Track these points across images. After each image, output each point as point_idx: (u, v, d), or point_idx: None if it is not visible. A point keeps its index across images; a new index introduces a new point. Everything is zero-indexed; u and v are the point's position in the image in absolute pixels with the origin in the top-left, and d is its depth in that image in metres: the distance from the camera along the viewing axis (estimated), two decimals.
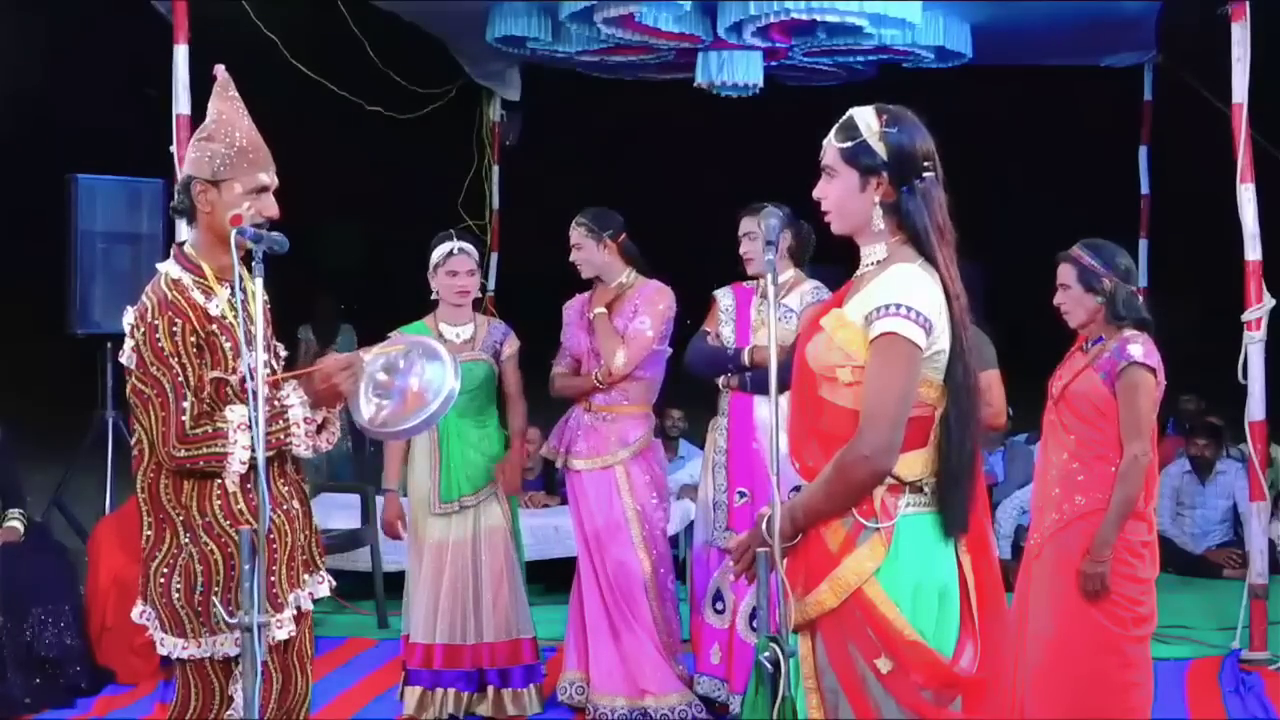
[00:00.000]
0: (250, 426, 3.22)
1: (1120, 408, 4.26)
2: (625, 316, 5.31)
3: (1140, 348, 4.29)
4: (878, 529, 2.86)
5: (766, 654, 2.98)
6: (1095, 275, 4.35)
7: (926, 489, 2.92)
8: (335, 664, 6.04)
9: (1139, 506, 4.28)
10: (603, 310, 5.32)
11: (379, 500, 6.90)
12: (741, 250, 5.20)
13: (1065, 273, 4.41)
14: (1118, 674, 4.30)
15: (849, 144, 2.94)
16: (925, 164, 2.91)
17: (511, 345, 5.43)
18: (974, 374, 2.94)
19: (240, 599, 3.15)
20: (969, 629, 2.94)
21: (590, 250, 5.38)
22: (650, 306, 5.30)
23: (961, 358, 2.90)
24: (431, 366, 3.61)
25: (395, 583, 6.90)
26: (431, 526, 5.29)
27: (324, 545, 6.78)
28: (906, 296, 2.83)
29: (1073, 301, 4.40)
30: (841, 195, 2.97)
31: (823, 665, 2.93)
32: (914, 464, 2.89)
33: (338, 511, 7.00)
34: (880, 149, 2.91)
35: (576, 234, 5.42)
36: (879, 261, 2.95)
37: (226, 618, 3.24)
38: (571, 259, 5.42)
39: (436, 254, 5.32)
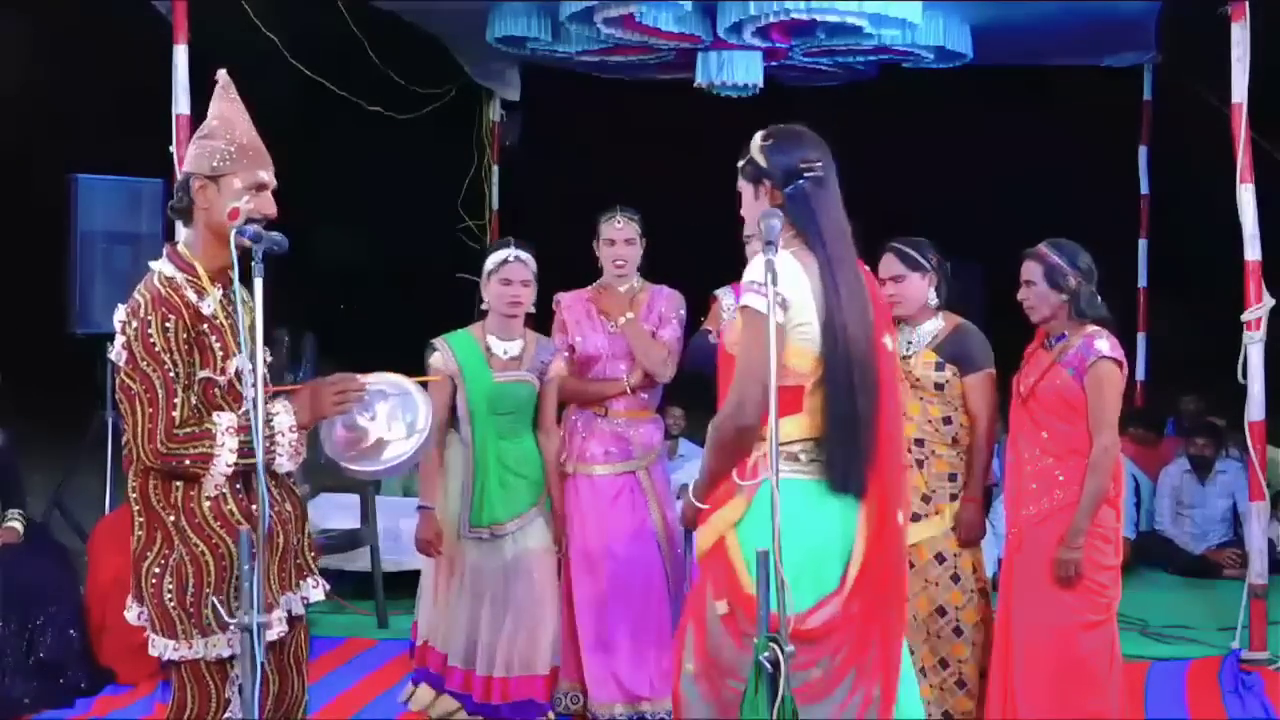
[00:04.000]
0: (239, 431, 3.24)
1: (1089, 401, 4.44)
2: (650, 323, 5.30)
3: (1106, 342, 4.47)
4: (742, 486, 3.23)
5: (766, 654, 3.00)
6: (1060, 273, 4.52)
7: (802, 455, 3.25)
8: (335, 664, 6.04)
9: (1109, 494, 4.46)
10: (633, 315, 5.27)
11: (377, 500, 6.92)
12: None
13: (1031, 269, 4.58)
14: (1098, 655, 4.49)
15: (741, 162, 3.44)
16: (804, 169, 3.32)
17: (557, 367, 5.10)
18: (857, 346, 3.25)
19: (238, 599, 3.16)
20: (839, 591, 3.23)
21: (638, 247, 5.31)
22: (674, 312, 5.33)
23: (837, 333, 3.23)
24: (408, 414, 3.58)
25: (395, 582, 6.91)
26: (465, 549, 4.99)
27: (324, 545, 6.82)
28: (759, 273, 3.19)
29: (1037, 297, 4.57)
30: (746, 206, 3.45)
31: (696, 595, 3.35)
32: (787, 429, 3.19)
33: (337, 512, 6.99)
34: (762, 160, 3.38)
35: (630, 228, 5.29)
36: None
37: (226, 617, 3.24)
38: (617, 255, 5.28)
39: (491, 260, 5.02)
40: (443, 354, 4.97)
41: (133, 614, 3.45)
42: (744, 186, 3.45)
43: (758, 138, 3.42)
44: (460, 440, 5.00)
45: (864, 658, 3.26)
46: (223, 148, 3.36)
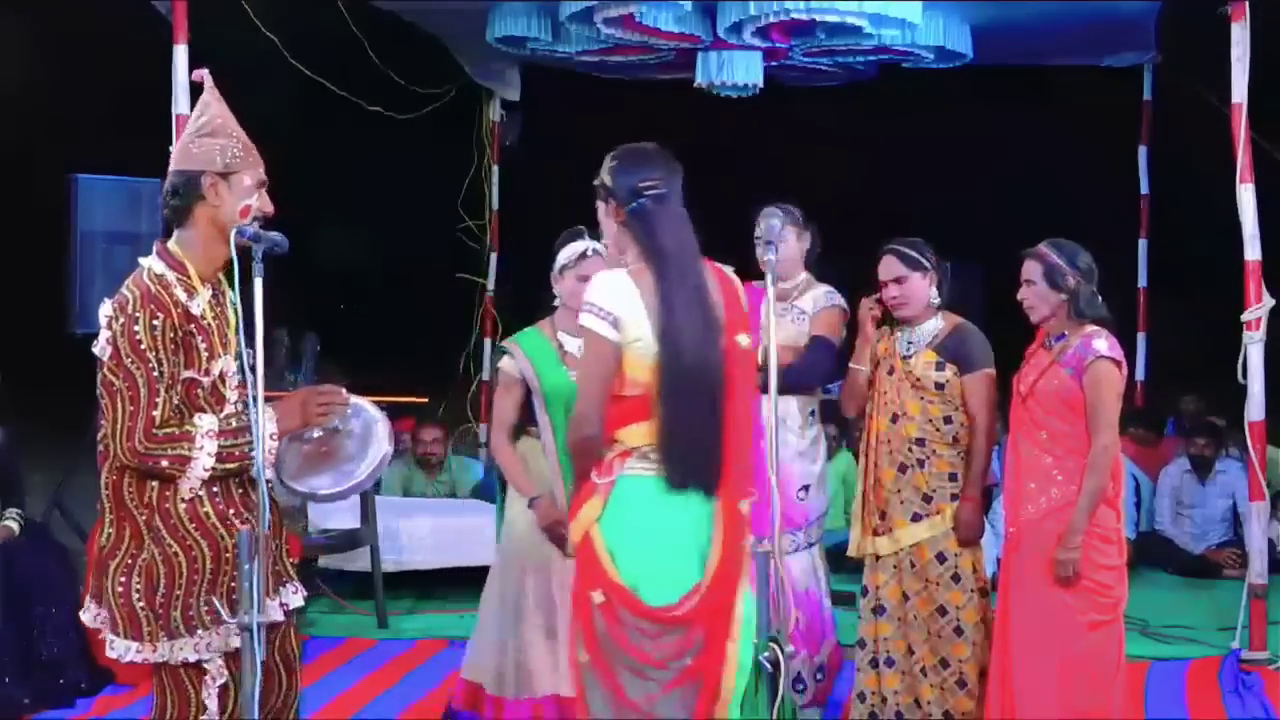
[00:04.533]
0: (220, 435, 3.22)
1: (1088, 400, 4.43)
2: None
3: (1105, 342, 4.46)
4: (598, 484, 3.48)
5: (766, 654, 3.01)
6: (1060, 272, 4.51)
7: (652, 455, 3.47)
8: (335, 664, 6.04)
9: (1109, 494, 4.45)
10: None
11: (377, 500, 6.92)
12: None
13: (1030, 269, 4.57)
14: (1103, 655, 4.47)
15: (595, 182, 3.64)
16: (644, 188, 3.52)
17: None
18: (694, 354, 3.46)
19: (213, 604, 3.18)
20: (703, 582, 3.46)
21: None
22: None
23: (671, 344, 3.44)
24: (366, 436, 3.55)
25: (394, 582, 6.92)
26: (557, 569, 4.59)
27: (324, 545, 6.80)
28: (596, 297, 3.49)
29: (1036, 297, 4.56)
30: (601, 221, 3.66)
31: (576, 590, 3.56)
32: (638, 434, 3.46)
33: (337, 512, 6.99)
34: (608, 180, 3.58)
35: None
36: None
37: (226, 614, 3.23)
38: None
39: (565, 254, 4.68)
40: (514, 356, 4.70)
41: (89, 615, 3.42)
42: (599, 204, 3.67)
43: (607, 159, 3.65)
44: (543, 450, 4.68)
45: (715, 645, 3.50)
46: (232, 145, 3.37)
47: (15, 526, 5.83)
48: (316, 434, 3.51)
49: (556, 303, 4.76)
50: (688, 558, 3.49)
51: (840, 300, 5.12)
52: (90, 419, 7.43)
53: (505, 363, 4.74)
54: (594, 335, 3.48)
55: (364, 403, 3.61)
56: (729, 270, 3.74)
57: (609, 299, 3.49)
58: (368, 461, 3.52)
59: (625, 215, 3.56)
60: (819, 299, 5.12)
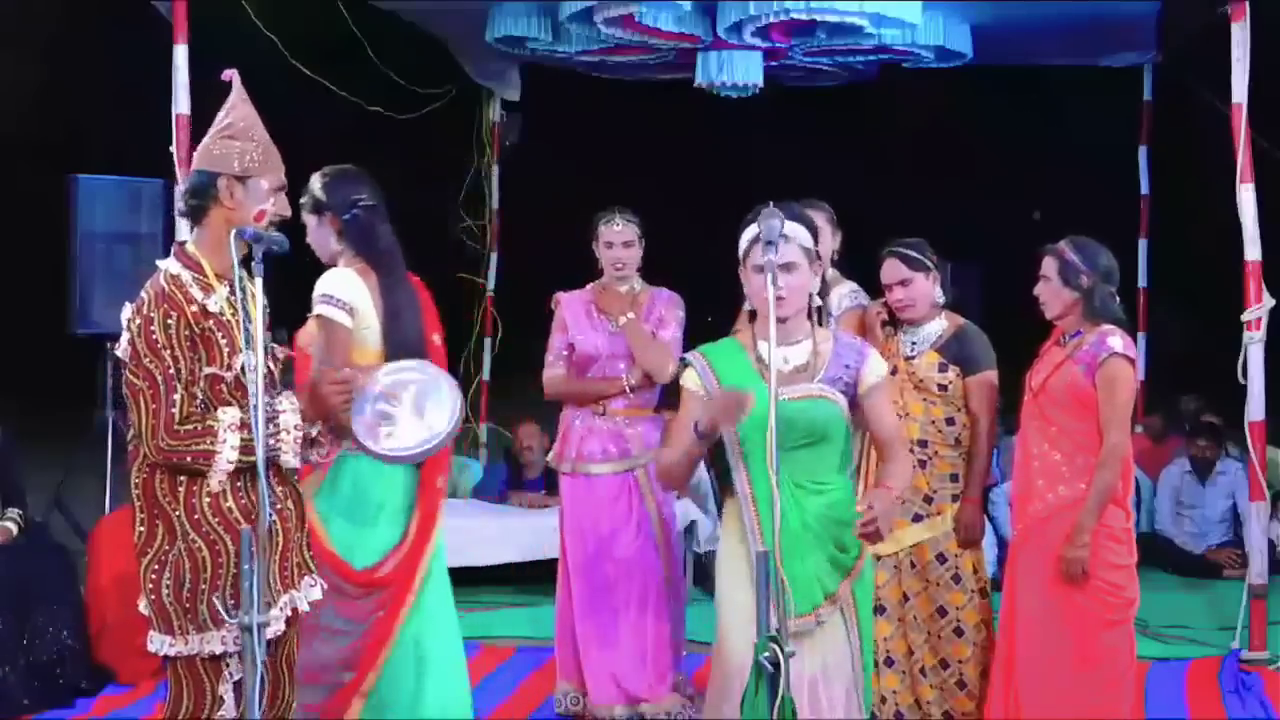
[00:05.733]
0: (242, 428, 3.24)
1: (1100, 398, 4.40)
2: (650, 323, 5.28)
3: (1119, 340, 4.44)
4: (318, 464, 3.78)
5: (766, 654, 3.01)
6: (1075, 271, 4.49)
7: None
8: None
9: (1118, 494, 4.42)
10: (633, 316, 5.24)
11: None
12: None
13: (1047, 265, 4.56)
14: (1113, 655, 4.44)
15: (303, 197, 4.16)
16: (357, 200, 4.12)
17: (876, 371, 3.79)
18: (411, 342, 4.00)
19: (239, 598, 3.16)
20: (400, 546, 4.06)
21: (637, 249, 5.28)
22: (673, 314, 5.30)
23: (398, 332, 4.02)
24: (435, 397, 3.60)
25: None
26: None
27: None
28: (331, 289, 4.02)
29: (1050, 294, 4.55)
30: (311, 234, 4.17)
31: None
32: None
33: None
34: (322, 195, 4.16)
35: (629, 230, 5.25)
36: None
37: (226, 614, 3.24)
38: (615, 258, 5.25)
39: (747, 237, 3.76)
40: (697, 370, 3.82)
41: (143, 605, 3.46)
42: (307, 218, 4.18)
43: (316, 177, 4.20)
44: (738, 498, 3.78)
45: (410, 598, 4.07)
46: (252, 149, 3.40)
47: (12, 528, 5.82)
48: (385, 404, 3.57)
49: (749, 306, 3.84)
50: (392, 525, 4.05)
51: (865, 299, 5.09)
52: (90, 419, 7.48)
53: (688, 378, 3.85)
54: (333, 323, 3.99)
55: (431, 366, 3.73)
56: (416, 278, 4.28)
57: (344, 290, 4.01)
58: (439, 425, 3.59)
59: (341, 224, 4.10)
60: (843, 298, 5.09)
